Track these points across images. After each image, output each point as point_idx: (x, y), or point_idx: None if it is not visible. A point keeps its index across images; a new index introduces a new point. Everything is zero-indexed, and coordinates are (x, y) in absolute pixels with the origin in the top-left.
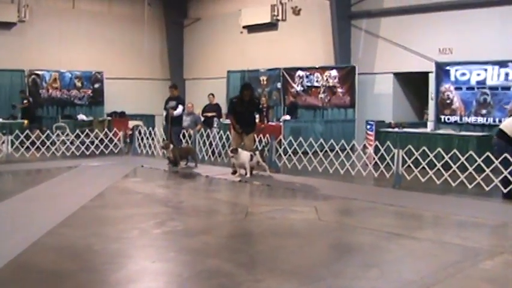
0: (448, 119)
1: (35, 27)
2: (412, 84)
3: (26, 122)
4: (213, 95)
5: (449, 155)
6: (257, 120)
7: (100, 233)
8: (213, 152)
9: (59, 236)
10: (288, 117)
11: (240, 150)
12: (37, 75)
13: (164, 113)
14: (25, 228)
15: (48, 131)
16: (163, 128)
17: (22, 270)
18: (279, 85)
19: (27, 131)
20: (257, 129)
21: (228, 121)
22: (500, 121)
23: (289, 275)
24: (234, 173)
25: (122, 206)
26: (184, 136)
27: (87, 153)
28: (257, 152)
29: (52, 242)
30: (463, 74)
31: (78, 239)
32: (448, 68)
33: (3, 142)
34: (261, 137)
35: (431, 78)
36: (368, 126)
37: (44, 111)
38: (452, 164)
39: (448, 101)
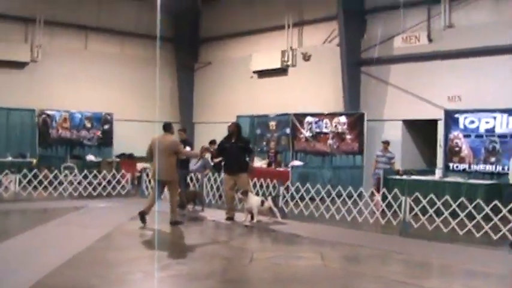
0: (457, 166)
1: (47, 67)
2: (421, 131)
3: (34, 161)
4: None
5: (457, 202)
6: (249, 162)
7: (104, 275)
8: (220, 196)
9: (62, 276)
10: (296, 162)
11: (250, 194)
12: (47, 115)
13: None
14: (28, 267)
15: (56, 171)
16: None
17: None
18: (288, 130)
19: (35, 170)
20: (249, 170)
21: None
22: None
23: None
24: (229, 219)
25: (128, 248)
26: (191, 180)
27: (95, 194)
28: (269, 198)
29: (54, 283)
30: (472, 122)
31: (81, 280)
32: (457, 115)
33: (10, 181)
34: (268, 183)
35: (440, 125)
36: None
37: (53, 151)
38: (459, 212)
39: (457, 149)
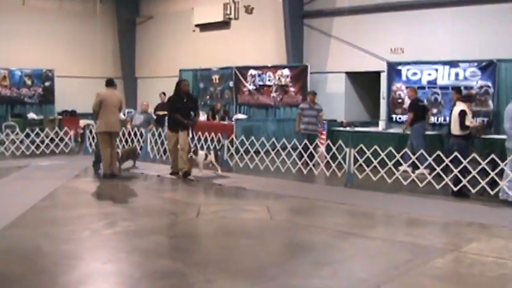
0: (400, 118)
1: None
2: (365, 83)
3: None
4: (164, 93)
5: (401, 153)
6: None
7: (50, 234)
8: (164, 151)
9: (7, 237)
10: (240, 115)
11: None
12: None
13: None
14: None
15: None
16: None
17: None
18: (231, 84)
19: None
20: (194, 125)
21: None
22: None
23: (241, 275)
24: (173, 173)
25: (73, 207)
26: (135, 135)
27: (38, 152)
28: (212, 152)
29: (0, 244)
30: (415, 74)
31: (27, 241)
32: (399, 67)
33: None
34: (213, 136)
35: (383, 77)
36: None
37: None
38: (403, 163)
39: (400, 101)
